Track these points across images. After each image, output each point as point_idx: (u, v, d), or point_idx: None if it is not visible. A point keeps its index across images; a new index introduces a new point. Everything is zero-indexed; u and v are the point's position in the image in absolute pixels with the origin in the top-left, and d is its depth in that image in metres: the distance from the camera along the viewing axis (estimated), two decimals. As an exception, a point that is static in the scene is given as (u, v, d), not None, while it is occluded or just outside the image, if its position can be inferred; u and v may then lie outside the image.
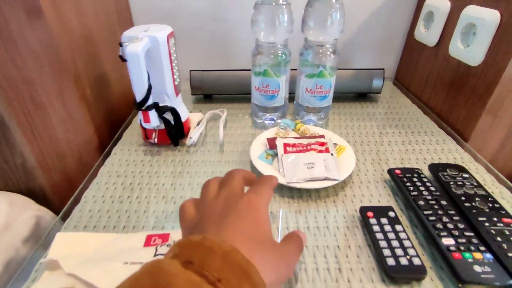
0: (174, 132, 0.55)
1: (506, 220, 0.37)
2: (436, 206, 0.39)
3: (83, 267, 0.30)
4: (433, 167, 0.47)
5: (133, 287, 0.19)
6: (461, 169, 0.46)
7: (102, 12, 0.61)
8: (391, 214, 0.39)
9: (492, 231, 0.35)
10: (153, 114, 0.50)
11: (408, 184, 0.43)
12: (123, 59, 0.45)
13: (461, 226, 0.36)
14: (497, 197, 0.44)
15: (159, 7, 0.76)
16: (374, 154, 0.55)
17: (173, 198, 0.46)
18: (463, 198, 0.40)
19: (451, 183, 0.43)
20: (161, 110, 0.52)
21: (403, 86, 0.81)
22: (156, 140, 0.55)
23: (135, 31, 0.48)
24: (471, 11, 0.55)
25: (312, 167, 0.47)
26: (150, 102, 0.49)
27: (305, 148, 0.50)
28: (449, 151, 0.55)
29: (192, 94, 0.73)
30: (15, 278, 0.35)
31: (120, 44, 0.45)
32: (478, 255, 0.32)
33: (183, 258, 0.20)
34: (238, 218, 0.24)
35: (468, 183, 0.43)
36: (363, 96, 0.75)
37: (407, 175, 0.45)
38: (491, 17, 0.50)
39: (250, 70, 0.58)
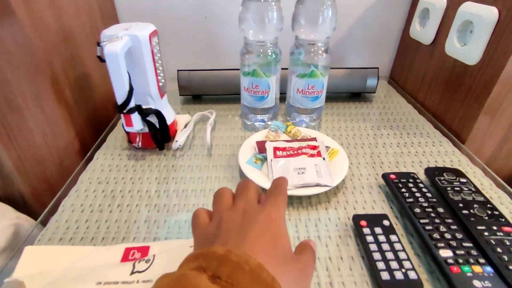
0: (159, 136, 0.52)
1: (506, 229, 0.35)
2: (432, 214, 0.37)
3: (52, 288, 0.27)
4: (430, 172, 0.45)
5: None
6: (458, 173, 0.44)
7: (83, 9, 0.58)
8: (386, 222, 0.37)
9: (492, 241, 0.33)
10: (135, 117, 0.48)
11: (403, 190, 0.41)
12: (101, 60, 0.43)
13: (459, 236, 0.34)
14: (496, 203, 0.42)
15: (145, 4, 0.73)
16: (368, 157, 0.53)
17: (157, 206, 0.44)
18: (460, 204, 0.38)
19: (448, 188, 0.41)
20: (144, 113, 0.49)
21: (398, 85, 0.79)
22: (140, 144, 0.53)
23: (115, 30, 0.45)
24: (468, 8, 0.53)
25: (303, 173, 0.44)
26: (132, 104, 0.46)
27: (295, 152, 0.48)
28: (445, 153, 0.54)
29: (180, 95, 0.70)
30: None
31: (98, 44, 0.42)
32: (477, 269, 0.30)
33: (210, 272, 0.20)
34: (259, 232, 0.24)
35: (466, 189, 0.41)
36: (357, 96, 0.73)
37: (402, 180, 0.43)
38: (489, 14, 0.48)
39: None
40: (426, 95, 0.67)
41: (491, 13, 0.48)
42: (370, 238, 0.35)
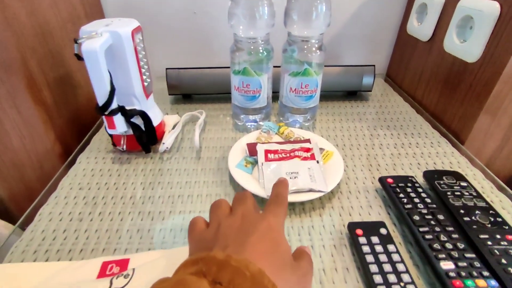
0: (145, 138, 0.50)
1: (510, 237, 0.33)
2: (432, 222, 0.35)
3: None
4: (428, 175, 0.43)
5: None
6: (458, 176, 0.42)
7: (63, 3, 0.55)
8: (383, 231, 0.35)
9: (496, 251, 0.31)
10: (118, 119, 0.45)
11: (401, 195, 0.39)
12: (79, 58, 0.40)
13: (461, 246, 0.32)
14: (498, 208, 0.40)
15: (132, -1, 0.70)
16: (364, 159, 0.51)
17: (141, 213, 0.41)
18: (461, 211, 0.36)
19: (448, 193, 0.39)
20: (128, 114, 0.46)
21: (395, 83, 0.77)
22: (124, 147, 0.50)
23: (95, 26, 0.42)
24: (468, 3, 0.51)
25: (295, 177, 0.42)
26: (114, 105, 0.44)
27: (288, 155, 0.46)
28: (444, 154, 0.51)
29: (169, 94, 0.67)
30: None
31: (75, 41, 0.39)
32: (481, 283, 0.28)
33: (210, 277, 0.20)
34: (259, 238, 0.24)
35: (467, 193, 0.39)
36: (352, 94, 0.70)
37: (400, 184, 0.41)
38: (490, 9, 0.46)
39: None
40: (424, 94, 0.65)
41: (493, 7, 0.46)
42: (366, 249, 0.33)
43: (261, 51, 0.50)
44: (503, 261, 0.30)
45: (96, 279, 0.30)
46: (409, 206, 0.37)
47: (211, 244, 0.24)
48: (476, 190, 0.40)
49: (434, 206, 0.37)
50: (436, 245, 0.32)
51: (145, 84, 0.48)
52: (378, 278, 0.30)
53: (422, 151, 0.52)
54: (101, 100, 0.42)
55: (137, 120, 0.48)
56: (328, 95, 0.70)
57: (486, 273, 0.29)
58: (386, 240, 0.34)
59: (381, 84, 0.77)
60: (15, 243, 0.37)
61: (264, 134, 0.52)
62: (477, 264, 0.30)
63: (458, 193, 0.39)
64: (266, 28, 0.48)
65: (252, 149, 0.47)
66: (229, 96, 0.57)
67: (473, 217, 0.35)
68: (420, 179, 0.44)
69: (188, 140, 0.56)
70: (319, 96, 0.55)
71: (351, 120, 0.61)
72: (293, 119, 0.57)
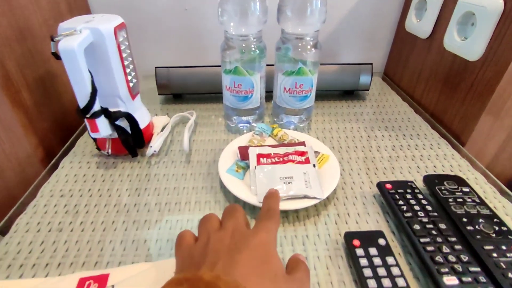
0: (132, 141, 0.47)
1: (516, 248, 0.31)
2: (434, 232, 0.33)
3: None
4: (429, 180, 0.41)
5: None
6: (460, 181, 0.40)
7: (44, -1, 0.52)
8: (381, 241, 0.33)
9: (502, 264, 0.29)
10: (102, 122, 0.42)
11: (400, 202, 0.37)
12: (57, 57, 0.37)
13: (464, 258, 0.30)
14: (501, 214, 0.38)
15: (120, -5, 0.67)
16: (362, 162, 0.48)
17: (125, 223, 0.39)
18: (464, 219, 0.34)
19: (450, 199, 0.37)
20: (112, 117, 0.44)
21: (392, 82, 0.75)
22: (109, 151, 0.47)
23: (74, 23, 0.40)
24: (469, -2, 0.48)
25: (289, 182, 0.40)
26: (96, 107, 0.41)
27: (281, 159, 0.43)
28: (444, 157, 0.49)
29: (159, 94, 0.65)
30: None
31: (52, 39, 0.36)
32: (487, 300, 0.26)
33: None
34: (250, 255, 0.23)
35: (470, 200, 0.37)
36: (349, 93, 0.68)
37: (399, 190, 0.39)
38: (493, 4, 0.44)
39: (220, 67, 0.51)
40: (423, 93, 0.63)
41: (496, 3, 0.43)
42: (364, 261, 0.31)
43: (253, 49, 0.47)
44: (510, 275, 0.28)
45: (71, 299, 0.27)
46: (409, 214, 0.35)
47: (200, 261, 0.23)
48: (479, 196, 0.38)
49: (435, 214, 0.35)
50: (438, 258, 0.30)
51: (131, 84, 0.46)
52: (376, 295, 0.28)
53: (422, 153, 0.50)
54: (82, 102, 0.40)
55: (123, 123, 0.46)
56: (324, 94, 0.67)
57: (492, 289, 0.27)
58: (385, 251, 0.32)
59: (378, 83, 0.74)
60: (-12, 256, 0.34)
61: (256, 136, 0.50)
62: (482, 279, 0.28)
63: (460, 200, 0.37)
64: (259, 25, 0.46)
65: (243, 152, 0.45)
66: (221, 96, 0.54)
67: (476, 226, 0.33)
68: (419, 184, 0.42)
69: (177, 142, 0.53)
70: (315, 95, 0.53)
71: (348, 121, 0.59)
72: (288, 120, 0.55)
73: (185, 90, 0.65)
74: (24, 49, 0.47)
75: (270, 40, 0.50)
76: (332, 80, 0.64)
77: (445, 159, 0.49)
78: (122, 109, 0.45)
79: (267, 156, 0.44)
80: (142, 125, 0.48)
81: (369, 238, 0.33)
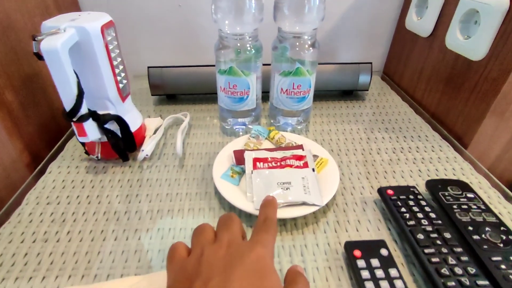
0: (122, 145, 0.45)
1: (525, 259, 0.29)
2: (438, 242, 0.31)
3: None
4: (431, 185, 0.39)
5: None
6: (464, 186, 0.39)
7: (30, -5, 0.50)
8: (383, 252, 0.31)
9: (511, 277, 0.28)
10: (90, 125, 0.40)
11: (403, 209, 0.35)
12: (39, 57, 0.35)
13: (471, 270, 0.28)
14: (507, 221, 0.37)
15: (111, -9, 0.64)
16: (361, 165, 0.47)
17: (115, 232, 0.37)
18: (470, 227, 0.33)
19: (454, 206, 0.36)
20: (101, 120, 0.42)
21: (392, 81, 0.73)
22: (99, 155, 0.45)
23: (58, 21, 0.38)
24: (472, -5, 0.47)
25: (287, 188, 0.38)
26: (84, 110, 0.39)
27: (278, 163, 0.41)
28: (446, 159, 0.48)
29: (152, 95, 0.63)
30: None
31: (33, 38, 0.34)
32: (497, 318, 0.25)
33: None
34: (246, 272, 0.22)
35: (475, 206, 0.35)
36: (348, 94, 0.66)
37: (401, 196, 0.37)
38: (498, 2, 0.42)
39: (214, 67, 0.49)
40: (424, 93, 0.61)
41: (501, 0, 0.42)
42: (365, 274, 0.29)
43: (249, 48, 0.45)
44: (520, 289, 0.27)
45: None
46: (412, 222, 0.34)
47: (193, 276, 0.22)
48: (484, 203, 0.36)
49: (440, 222, 0.34)
50: (444, 270, 0.28)
51: (120, 85, 0.44)
52: (379, 311, 0.26)
53: (423, 156, 0.49)
54: (67, 105, 0.37)
55: (112, 126, 0.44)
56: (322, 94, 0.66)
57: (502, 306, 0.26)
58: (388, 263, 0.30)
59: (377, 82, 0.73)
60: (-32, 270, 0.32)
61: (252, 139, 0.48)
62: (491, 293, 0.26)
63: (465, 206, 0.35)
64: (254, 23, 0.44)
65: (239, 157, 0.43)
66: (217, 96, 0.52)
67: (483, 235, 0.32)
68: (422, 189, 0.41)
69: (171, 145, 0.51)
70: (313, 96, 0.51)
71: (347, 122, 0.57)
72: (285, 122, 0.53)
73: (179, 91, 0.63)
74: (7, 47, 0.44)
75: (266, 39, 0.48)
76: (330, 80, 0.62)
77: (447, 162, 0.47)
78: (112, 112, 0.43)
79: (264, 160, 0.42)
80: (133, 128, 0.46)
81: (370, 248, 0.32)
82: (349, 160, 0.48)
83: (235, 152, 0.44)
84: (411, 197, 0.37)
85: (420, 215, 0.34)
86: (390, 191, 0.38)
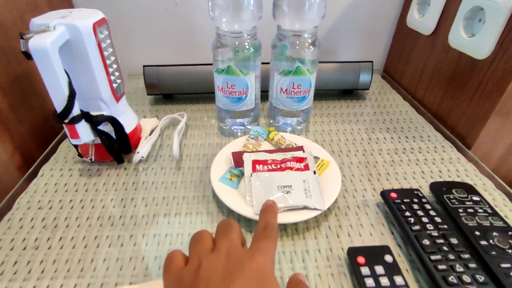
0: (117, 147, 0.44)
1: (535, 266, 0.28)
2: (445, 248, 0.30)
3: None
4: (436, 187, 0.38)
5: None
6: (469, 189, 0.38)
7: (20, -8, 0.48)
8: (388, 258, 0.30)
9: (521, 285, 0.27)
10: (82, 127, 0.39)
11: (407, 213, 0.34)
12: (28, 56, 0.33)
13: (480, 278, 0.27)
14: (514, 224, 0.36)
15: (105, -12, 0.63)
16: (363, 167, 0.46)
17: (109, 238, 0.35)
18: (477, 232, 0.32)
19: (460, 210, 0.34)
20: (94, 121, 0.40)
21: (393, 80, 0.72)
22: (93, 157, 0.44)
23: (48, 18, 0.36)
24: (477, -8, 0.46)
25: (288, 192, 0.37)
26: (76, 112, 0.37)
27: (279, 166, 0.40)
28: (449, 160, 0.47)
29: (148, 94, 0.61)
30: None
31: (21, 36, 0.33)
32: (509, 329, 0.24)
33: None
34: (246, 282, 0.21)
35: (481, 210, 0.34)
36: (349, 93, 0.65)
37: (405, 200, 0.36)
38: (503, -2, 0.41)
39: (212, 66, 0.47)
40: (425, 92, 0.60)
41: (507, -3, 0.41)
42: (370, 282, 0.28)
43: (247, 47, 0.44)
44: (531, 298, 0.26)
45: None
46: (417, 227, 0.33)
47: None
48: (490, 206, 0.35)
49: (445, 227, 0.33)
50: (452, 279, 0.27)
51: (114, 85, 0.42)
52: (385, 322, 0.25)
53: (426, 157, 0.48)
54: (58, 106, 0.36)
55: (106, 127, 0.42)
56: (323, 93, 0.64)
57: (513, 316, 0.25)
58: (393, 270, 0.29)
59: (378, 81, 0.72)
60: (-46, 280, 0.31)
61: (251, 140, 0.46)
62: (501, 303, 0.25)
63: (471, 210, 0.34)
64: (253, 21, 0.42)
65: (238, 159, 0.42)
66: (214, 96, 0.51)
67: (490, 241, 0.31)
68: (425, 191, 0.40)
69: (167, 147, 0.50)
70: (313, 95, 0.50)
71: (348, 122, 0.56)
72: (284, 122, 0.52)
73: (176, 90, 0.61)
74: (-3, 47, 0.43)
75: (265, 37, 0.47)
76: (331, 79, 0.60)
77: (450, 163, 0.46)
78: (106, 113, 0.42)
79: (264, 162, 0.41)
80: (128, 129, 0.44)
81: (374, 254, 0.31)
82: (350, 161, 0.47)
83: (234, 154, 0.43)
84: (415, 200, 0.36)
85: (425, 220, 0.33)
86: (393, 194, 0.37)
